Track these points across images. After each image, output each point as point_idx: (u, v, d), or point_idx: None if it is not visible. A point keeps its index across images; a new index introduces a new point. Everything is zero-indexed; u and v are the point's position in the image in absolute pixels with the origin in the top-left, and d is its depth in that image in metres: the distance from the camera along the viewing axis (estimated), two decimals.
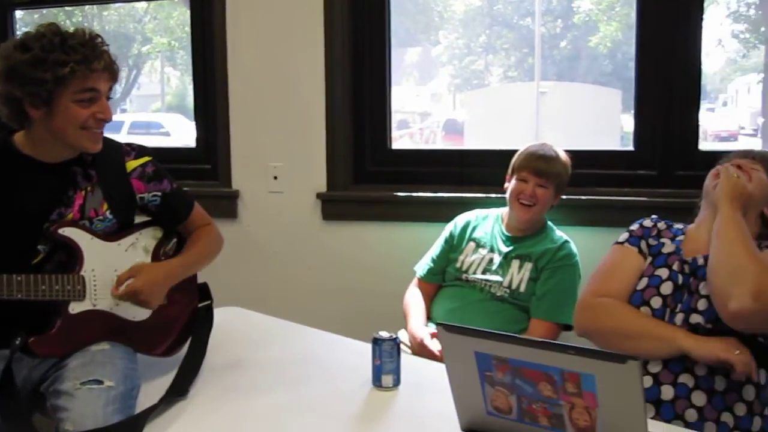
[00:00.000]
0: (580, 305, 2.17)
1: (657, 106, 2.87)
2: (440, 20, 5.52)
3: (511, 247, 2.64)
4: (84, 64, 1.82)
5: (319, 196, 3.20)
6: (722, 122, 6.15)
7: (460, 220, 2.78)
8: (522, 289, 2.58)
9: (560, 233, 2.68)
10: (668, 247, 2.10)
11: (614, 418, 1.35)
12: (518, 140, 2.82)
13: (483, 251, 2.67)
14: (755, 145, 5.42)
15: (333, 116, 3.15)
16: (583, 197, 2.91)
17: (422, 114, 6.78)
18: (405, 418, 1.82)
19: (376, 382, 1.93)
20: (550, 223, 2.72)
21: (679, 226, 2.19)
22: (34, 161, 1.92)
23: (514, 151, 2.72)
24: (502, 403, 1.49)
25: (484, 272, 2.64)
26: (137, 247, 2.07)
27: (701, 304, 1.93)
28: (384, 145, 3.25)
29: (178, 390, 1.92)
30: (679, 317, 1.95)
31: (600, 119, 5.46)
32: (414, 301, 2.72)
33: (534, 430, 1.47)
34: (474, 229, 2.74)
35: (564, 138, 5.51)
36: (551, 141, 2.72)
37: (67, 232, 1.92)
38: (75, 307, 1.92)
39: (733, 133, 5.81)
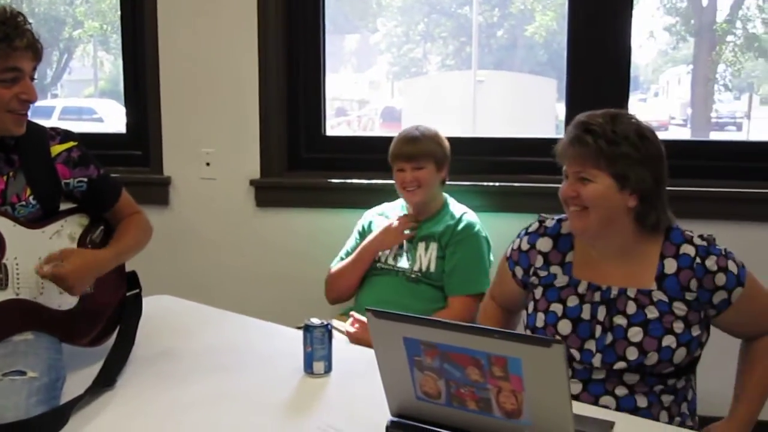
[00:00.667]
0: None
1: (587, 96, 2.91)
2: (378, 7, 5.52)
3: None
4: (5, 42, 1.77)
5: (252, 182, 3.18)
6: (653, 112, 6.30)
7: (369, 214, 2.87)
8: (432, 269, 2.67)
9: (461, 208, 2.76)
10: (560, 279, 1.98)
11: (540, 401, 1.36)
12: (456, 128, 2.86)
13: None
14: (684, 134, 5.57)
15: (267, 102, 3.13)
16: (516, 184, 2.96)
17: (360, 101, 6.78)
18: (336, 405, 1.81)
19: (308, 369, 1.92)
20: (450, 199, 2.80)
21: (565, 230, 2.02)
22: None
23: (452, 139, 2.74)
24: (431, 387, 1.49)
25: (395, 258, 2.72)
26: (62, 235, 2.01)
27: (630, 353, 1.83)
28: (318, 132, 3.24)
29: (105, 380, 1.87)
30: (596, 359, 1.87)
31: (536, 108, 5.54)
32: None
33: (462, 414, 1.47)
34: (383, 220, 2.81)
35: (500, 126, 5.58)
36: (488, 128, 2.76)
37: None
38: None
39: (663, 123, 5.97)
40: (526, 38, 5.47)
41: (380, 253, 2.74)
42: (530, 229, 2.09)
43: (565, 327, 1.91)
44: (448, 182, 2.77)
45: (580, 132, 1.84)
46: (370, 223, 2.82)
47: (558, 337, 1.89)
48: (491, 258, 2.69)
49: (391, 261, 2.73)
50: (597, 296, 1.90)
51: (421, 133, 2.72)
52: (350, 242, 2.84)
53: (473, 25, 5.73)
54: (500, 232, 2.91)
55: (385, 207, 2.86)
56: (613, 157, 1.81)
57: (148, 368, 1.99)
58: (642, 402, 1.86)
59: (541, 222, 2.09)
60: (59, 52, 6.70)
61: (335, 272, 2.80)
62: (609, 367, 1.85)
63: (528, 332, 2.00)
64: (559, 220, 2.05)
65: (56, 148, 2.00)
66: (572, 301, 1.92)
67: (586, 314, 1.90)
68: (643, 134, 1.85)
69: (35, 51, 1.86)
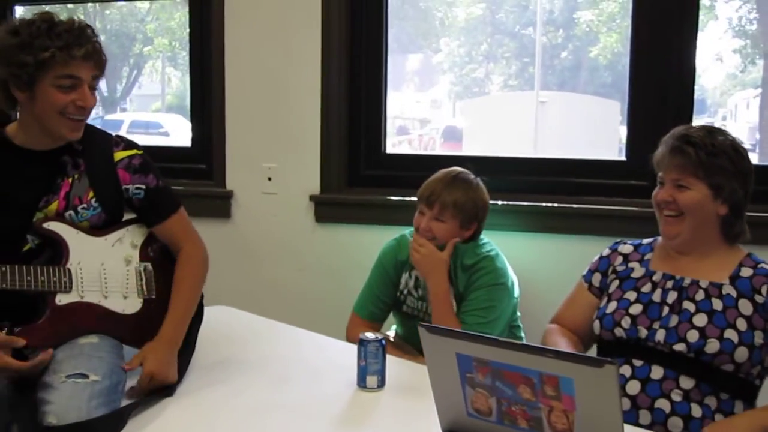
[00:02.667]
0: None
1: (650, 118, 2.87)
2: (442, 27, 5.54)
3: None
4: (65, 51, 1.85)
5: (312, 198, 3.21)
6: None
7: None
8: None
9: (474, 253, 2.47)
10: (638, 271, 2.12)
11: (592, 422, 1.35)
12: (516, 148, 2.83)
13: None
14: (752, 159, 5.44)
15: (328, 119, 3.16)
16: (575, 206, 2.92)
17: (422, 120, 6.80)
18: (388, 420, 1.83)
19: (361, 383, 1.94)
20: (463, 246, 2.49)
21: (648, 241, 2.20)
22: (24, 150, 1.96)
23: (511, 159, 2.72)
24: (483, 405, 1.49)
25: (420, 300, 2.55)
26: (124, 243, 2.08)
27: (691, 335, 1.92)
28: (378, 149, 3.25)
29: (165, 387, 1.93)
30: (660, 334, 1.96)
31: (599, 130, 5.49)
32: None
33: None
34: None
35: (562, 147, 5.54)
36: (549, 150, 2.72)
37: (52, 226, 1.95)
38: (62, 299, 1.93)
39: None
40: (590, 60, 5.44)
41: (404, 291, 2.57)
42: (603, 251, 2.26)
43: (636, 309, 2.03)
44: (507, 202, 2.71)
45: (681, 143, 1.99)
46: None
47: (627, 320, 2.02)
48: (516, 295, 2.54)
49: (417, 303, 2.55)
50: (670, 284, 2.02)
51: (457, 181, 2.44)
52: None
53: (536, 46, 5.72)
54: (561, 253, 2.92)
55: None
56: (712, 167, 1.96)
57: (205, 377, 2.03)
58: (696, 412, 1.89)
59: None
60: (129, 68, 6.88)
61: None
62: (669, 348, 1.93)
63: (597, 322, 2.10)
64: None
65: (119, 154, 2.08)
66: (646, 288, 2.05)
67: (656, 297, 2.02)
68: (738, 149, 2.01)
69: (97, 61, 1.94)
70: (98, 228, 2.04)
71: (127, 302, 2.03)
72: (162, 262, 2.14)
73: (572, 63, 5.80)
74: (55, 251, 1.96)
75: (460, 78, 6.42)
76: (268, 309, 2.66)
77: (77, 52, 1.87)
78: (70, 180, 1.99)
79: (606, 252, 2.23)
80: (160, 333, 1.99)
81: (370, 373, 1.93)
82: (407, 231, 2.60)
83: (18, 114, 1.98)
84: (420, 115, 6.74)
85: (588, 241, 2.79)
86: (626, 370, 1.97)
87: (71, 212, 1.98)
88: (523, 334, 2.61)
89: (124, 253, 2.07)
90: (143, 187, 2.09)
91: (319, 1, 3.11)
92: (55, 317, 1.92)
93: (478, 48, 6.08)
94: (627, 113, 2.98)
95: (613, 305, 2.07)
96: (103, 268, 2.01)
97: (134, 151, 2.11)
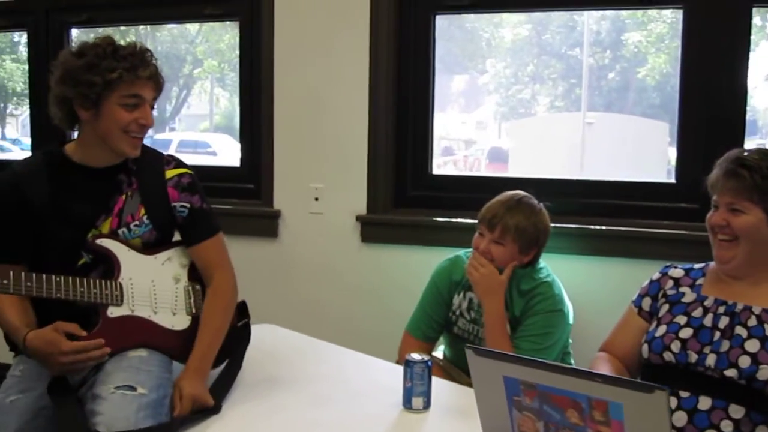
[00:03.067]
0: None
1: (700, 139, 2.83)
2: (488, 48, 5.54)
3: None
4: (131, 72, 1.96)
5: (358, 218, 3.22)
6: None
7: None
8: None
9: (532, 278, 2.45)
10: (689, 296, 2.07)
11: None
12: (563, 170, 2.79)
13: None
14: None
15: (375, 140, 3.18)
16: (623, 228, 2.89)
17: (467, 141, 6.79)
18: None
19: (407, 404, 1.94)
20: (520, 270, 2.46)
21: (699, 266, 2.15)
22: (82, 167, 2.04)
23: (558, 181, 2.69)
24: (530, 428, 1.48)
25: (472, 323, 2.52)
26: (173, 262, 2.14)
27: (743, 361, 1.87)
28: (425, 170, 3.25)
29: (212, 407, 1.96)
30: (711, 359, 1.91)
31: (646, 151, 5.42)
32: None
33: None
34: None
35: (609, 169, 5.49)
36: (596, 171, 2.69)
37: (105, 243, 2.02)
38: (114, 311, 1.98)
39: None
40: (638, 81, 5.37)
41: (456, 312, 2.55)
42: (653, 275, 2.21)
43: (686, 333, 1.98)
44: (553, 224, 2.69)
45: (736, 166, 1.95)
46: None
47: (677, 344, 1.98)
48: (571, 323, 2.50)
49: (468, 326, 2.53)
50: (722, 309, 1.98)
51: (520, 205, 2.41)
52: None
53: (584, 67, 5.67)
54: (608, 276, 2.89)
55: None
56: (767, 191, 1.92)
57: (250, 394, 2.06)
58: None
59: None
60: (179, 88, 7.00)
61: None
62: (720, 373, 1.88)
63: (646, 346, 2.06)
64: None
65: (170, 173, 2.14)
66: (697, 313, 2.01)
67: (707, 322, 1.98)
68: None
69: (156, 82, 2.05)
70: (150, 246, 2.10)
71: (175, 318, 2.08)
72: None
73: (619, 84, 5.74)
74: (108, 267, 2.02)
75: (506, 99, 6.39)
76: (312, 328, 2.67)
77: (142, 72, 1.97)
78: (124, 197, 2.06)
79: (656, 276, 2.19)
80: (187, 365, 2.02)
81: (415, 394, 1.93)
82: (462, 252, 2.60)
83: (77, 133, 2.07)
84: (465, 136, 6.72)
85: (636, 265, 2.76)
86: (672, 401, 1.92)
87: (124, 229, 2.04)
88: (573, 360, 2.58)
89: (174, 271, 2.12)
90: (188, 205, 2.14)
91: (367, 23, 3.14)
92: (107, 328, 1.96)
93: (524, 69, 6.06)
94: (677, 135, 2.94)
95: (662, 329, 2.03)
96: (153, 285, 2.06)
97: (184, 170, 2.17)
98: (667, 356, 1.98)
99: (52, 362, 1.87)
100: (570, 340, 2.55)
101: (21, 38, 4.58)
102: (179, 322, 2.09)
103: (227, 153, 5.33)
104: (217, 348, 2.09)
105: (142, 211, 2.08)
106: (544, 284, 2.43)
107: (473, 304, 2.49)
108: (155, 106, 2.09)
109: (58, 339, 1.85)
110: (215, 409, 1.95)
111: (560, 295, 2.44)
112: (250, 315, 2.26)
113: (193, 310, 2.13)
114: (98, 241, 2.00)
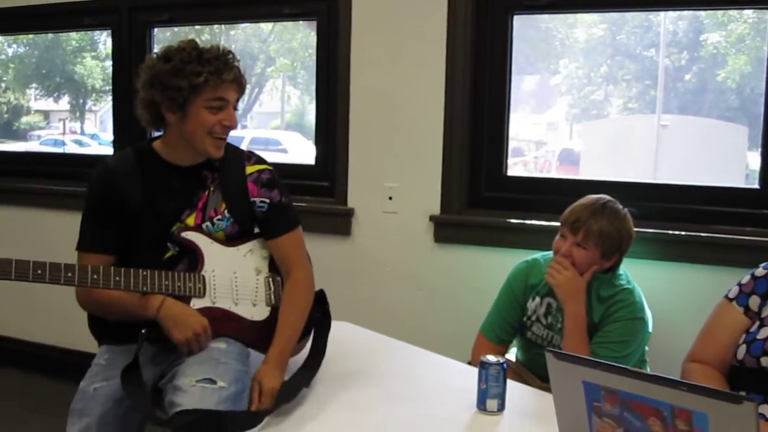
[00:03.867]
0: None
1: None
2: (562, 48, 5.47)
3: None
4: (216, 75, 2.01)
5: (432, 218, 3.22)
6: None
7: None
8: None
9: (612, 284, 2.44)
10: None
11: None
12: (636, 173, 2.74)
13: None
14: None
15: (450, 140, 3.18)
16: (702, 234, 2.83)
17: (537, 142, 6.72)
18: None
19: (481, 405, 1.94)
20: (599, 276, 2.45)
21: None
22: (170, 165, 2.11)
23: (631, 184, 2.65)
24: None
25: (548, 328, 2.51)
26: (255, 253, 2.19)
27: None
28: (499, 171, 3.24)
29: (288, 396, 2.00)
30: None
31: (724, 155, 5.29)
32: None
33: None
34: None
35: (683, 173, 5.37)
36: (670, 175, 2.63)
37: (189, 235, 2.09)
38: (196, 303, 2.05)
39: None
40: (717, 83, 5.24)
41: (532, 317, 2.54)
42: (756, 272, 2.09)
43: None
44: None
45: None
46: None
47: None
48: (650, 331, 2.46)
49: (543, 332, 2.53)
50: None
51: (604, 210, 2.37)
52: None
53: (659, 68, 5.56)
54: (685, 283, 2.83)
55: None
56: None
57: (324, 391, 2.09)
58: None
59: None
60: (251, 86, 7.10)
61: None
62: None
63: (743, 346, 1.97)
64: None
65: (250, 168, 2.20)
66: None
67: None
68: None
69: (240, 84, 2.09)
70: (233, 238, 2.16)
71: (255, 309, 2.14)
72: None
73: (696, 86, 5.60)
74: (192, 258, 2.09)
75: (578, 100, 6.30)
76: (384, 327, 2.69)
77: (227, 76, 2.03)
78: (207, 193, 2.12)
79: (760, 272, 2.07)
80: (266, 359, 2.05)
81: (490, 396, 1.93)
82: (539, 255, 2.59)
83: (163, 133, 2.13)
84: (535, 137, 6.65)
85: (717, 272, 2.71)
86: (765, 409, 1.86)
87: (208, 223, 2.11)
88: (648, 369, 2.54)
89: (255, 263, 2.18)
90: (267, 201, 2.19)
91: (444, 23, 3.14)
92: None
93: (597, 70, 5.96)
94: (761, 139, 2.87)
95: (765, 331, 1.95)
96: (235, 276, 2.11)
97: (264, 166, 2.23)
98: (765, 362, 1.91)
99: (184, 328, 1.97)
100: (646, 348, 2.51)
101: (101, 36, 4.71)
102: (258, 312, 2.15)
103: (297, 150, 5.37)
104: (294, 342, 2.13)
105: (223, 206, 2.13)
106: (625, 291, 2.40)
107: (551, 309, 2.47)
108: (237, 107, 2.13)
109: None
110: (288, 398, 1.99)
111: (641, 303, 2.41)
112: (329, 303, 2.30)
113: (273, 301, 2.18)
114: (183, 234, 2.08)
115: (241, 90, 2.11)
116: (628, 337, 2.35)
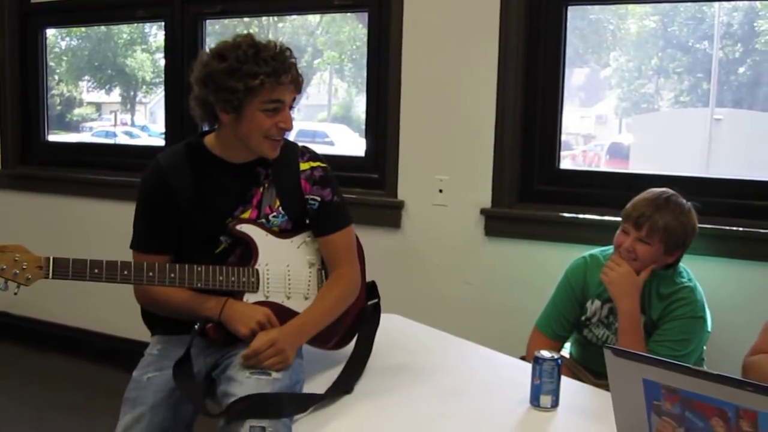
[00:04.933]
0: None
1: None
2: (614, 40, 5.40)
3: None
4: (273, 77, 1.94)
5: (483, 211, 3.19)
6: None
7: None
8: None
9: (673, 281, 2.39)
10: None
11: None
12: (688, 167, 2.68)
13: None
14: None
15: (502, 132, 3.14)
16: (762, 231, 2.76)
17: (586, 136, 6.64)
18: None
19: (534, 401, 1.92)
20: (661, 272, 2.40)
21: None
22: (222, 161, 2.08)
23: (683, 178, 2.59)
24: None
25: (607, 328, 2.49)
26: (309, 245, 2.18)
27: None
28: (552, 165, 3.20)
29: (345, 386, 2.01)
30: None
31: None
32: None
33: None
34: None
35: (738, 167, 5.26)
36: (723, 169, 2.56)
37: (244, 228, 2.07)
38: (249, 298, 2.05)
39: None
40: None
41: (592, 319, 2.50)
42: None
43: None
44: None
45: None
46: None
47: None
48: (709, 330, 2.43)
49: (600, 332, 2.50)
50: None
51: (669, 204, 2.32)
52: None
53: (713, 61, 5.45)
54: (734, 279, 2.77)
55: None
56: None
57: (377, 382, 2.09)
58: None
59: None
60: None
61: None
62: None
63: None
64: None
65: (304, 165, 2.17)
66: None
67: None
68: None
69: (297, 85, 2.03)
70: (285, 232, 2.14)
71: (307, 303, 2.13)
72: None
73: (751, 79, 5.49)
74: (246, 250, 2.08)
75: (628, 93, 6.22)
76: (434, 319, 2.68)
77: (285, 78, 1.96)
78: (261, 189, 2.10)
79: None
80: (290, 322, 2.04)
81: (544, 392, 1.91)
82: (597, 250, 2.55)
83: (217, 129, 2.09)
84: (584, 131, 6.58)
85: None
86: None
87: (263, 220, 2.10)
88: (705, 367, 2.49)
89: (308, 255, 2.17)
90: (318, 199, 2.16)
91: (497, 15, 3.11)
92: None
93: (648, 62, 5.87)
94: None
95: None
96: (288, 269, 2.11)
97: (318, 163, 2.19)
98: None
99: (248, 320, 1.98)
100: (704, 347, 2.46)
101: (151, 29, 4.77)
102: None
103: (344, 143, 5.39)
104: (320, 327, 2.10)
105: (278, 202, 2.12)
106: (685, 289, 2.36)
107: (614, 311, 2.42)
108: (293, 106, 2.07)
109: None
110: (347, 389, 2.00)
111: (702, 301, 2.36)
112: (380, 296, 2.29)
113: None
114: (238, 227, 2.06)
115: (298, 90, 2.03)
116: (688, 335, 2.31)
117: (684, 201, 2.37)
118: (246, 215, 2.08)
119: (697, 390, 1.37)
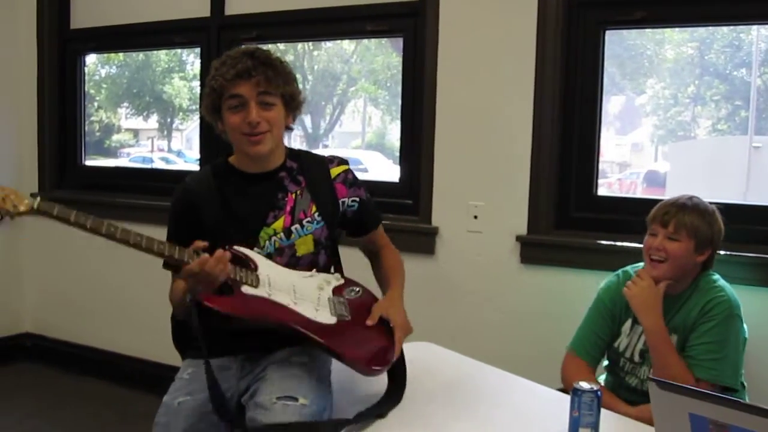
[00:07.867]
0: None
1: None
2: (650, 66, 5.36)
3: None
4: (229, 74, 2.01)
5: (518, 238, 3.16)
6: None
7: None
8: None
9: (711, 286, 2.36)
10: None
11: None
12: (726, 195, 2.63)
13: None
14: None
15: (538, 158, 3.12)
16: None
17: (621, 164, 6.59)
18: None
19: None
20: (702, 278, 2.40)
21: None
22: (245, 174, 2.14)
23: (722, 205, 2.54)
24: None
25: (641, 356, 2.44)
26: (316, 278, 2.16)
27: None
28: (589, 192, 3.16)
29: (379, 410, 1.97)
30: None
31: None
32: None
33: None
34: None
35: None
36: (764, 197, 2.52)
37: (243, 250, 2.05)
38: (248, 291, 1.98)
39: None
40: None
41: (622, 343, 2.48)
42: None
43: None
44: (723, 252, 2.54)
45: None
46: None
47: None
48: (746, 336, 2.38)
49: (636, 357, 2.45)
50: None
51: (693, 204, 2.37)
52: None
53: (751, 89, 5.39)
54: None
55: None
56: None
57: (412, 411, 2.04)
58: None
59: None
60: (333, 106, 7.19)
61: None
62: None
63: None
64: None
65: (335, 170, 2.22)
66: None
67: None
68: None
69: (257, 78, 2.02)
70: (318, 245, 2.15)
71: (318, 313, 2.05)
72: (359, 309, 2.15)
73: None
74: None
75: (665, 121, 6.17)
76: (468, 348, 2.63)
77: (229, 73, 2.01)
78: (294, 196, 2.13)
79: None
80: (388, 294, 2.20)
81: (583, 425, 1.85)
82: (629, 267, 2.54)
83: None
84: (619, 159, 6.53)
85: None
86: None
87: (297, 226, 2.11)
88: (747, 397, 2.42)
89: (317, 283, 2.14)
90: (357, 199, 2.23)
91: (533, 41, 3.09)
92: (241, 300, 1.97)
93: (684, 90, 5.82)
94: None
95: None
96: (294, 286, 2.06)
97: (346, 167, 2.25)
98: None
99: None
100: (743, 370, 2.39)
101: (188, 57, 4.82)
102: (323, 317, 2.04)
103: (378, 170, 5.40)
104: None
105: (314, 208, 2.14)
106: (716, 288, 2.35)
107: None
108: (268, 102, 2.05)
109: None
110: (381, 413, 1.96)
111: (736, 300, 2.33)
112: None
113: (338, 312, 2.08)
114: (235, 248, 2.03)
115: (261, 84, 2.03)
116: (724, 335, 2.27)
117: (708, 203, 2.39)
118: (279, 222, 2.09)
119: (747, 426, 1.31)
